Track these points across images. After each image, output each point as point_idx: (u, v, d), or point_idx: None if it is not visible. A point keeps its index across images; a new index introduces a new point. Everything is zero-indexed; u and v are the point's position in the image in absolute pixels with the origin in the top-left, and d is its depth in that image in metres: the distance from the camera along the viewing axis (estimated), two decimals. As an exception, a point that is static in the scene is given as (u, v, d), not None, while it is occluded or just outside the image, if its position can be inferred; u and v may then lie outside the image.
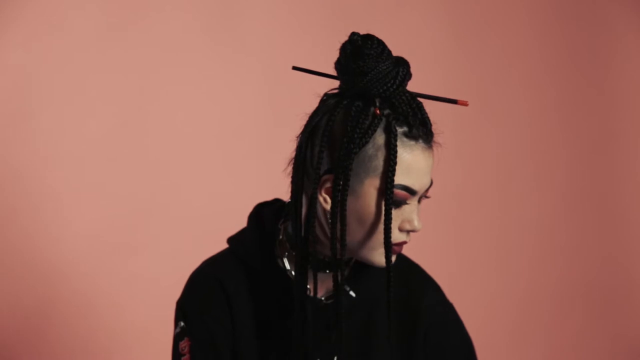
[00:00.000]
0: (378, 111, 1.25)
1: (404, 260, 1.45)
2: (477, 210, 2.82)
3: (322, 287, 1.37)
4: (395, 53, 1.28)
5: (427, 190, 1.31)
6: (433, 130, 1.29)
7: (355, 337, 1.38)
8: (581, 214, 2.88)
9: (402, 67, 1.26)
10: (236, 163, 2.58)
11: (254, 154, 2.58)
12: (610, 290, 2.88)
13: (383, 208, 1.27)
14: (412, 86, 1.29)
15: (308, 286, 1.36)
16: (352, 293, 1.38)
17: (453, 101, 1.30)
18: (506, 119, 2.82)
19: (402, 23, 2.71)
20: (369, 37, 1.27)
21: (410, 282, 1.44)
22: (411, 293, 1.43)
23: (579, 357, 2.83)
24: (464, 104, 1.29)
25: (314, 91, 1.32)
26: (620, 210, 2.90)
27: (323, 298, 1.38)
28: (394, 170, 1.25)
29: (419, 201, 1.31)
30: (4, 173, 2.42)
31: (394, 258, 1.31)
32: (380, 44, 1.27)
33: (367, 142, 1.25)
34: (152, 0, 2.52)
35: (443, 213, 2.72)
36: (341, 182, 1.25)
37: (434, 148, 1.30)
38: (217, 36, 2.56)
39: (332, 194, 1.26)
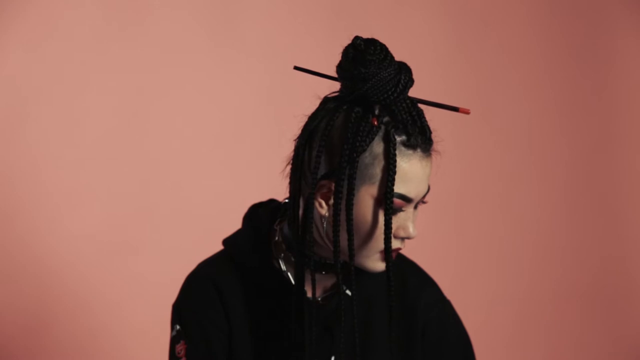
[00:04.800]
0: (376, 122, 1.23)
1: (400, 258, 1.45)
2: (477, 210, 2.81)
3: (319, 287, 1.37)
4: (395, 54, 1.27)
5: (424, 197, 1.30)
6: (432, 138, 1.27)
7: (352, 336, 1.36)
8: (581, 214, 2.88)
9: (404, 74, 1.24)
10: (236, 163, 2.58)
11: (254, 154, 2.58)
12: (610, 290, 2.88)
13: (379, 216, 1.26)
14: (413, 87, 1.28)
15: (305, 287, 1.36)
16: (348, 292, 1.38)
17: (454, 109, 1.28)
18: (506, 119, 2.82)
19: (403, 24, 2.71)
20: (372, 42, 1.25)
21: (407, 279, 1.44)
22: (408, 290, 1.43)
23: (579, 357, 2.83)
24: (466, 112, 1.27)
25: (314, 92, 1.32)
26: (620, 210, 2.90)
27: (320, 298, 1.38)
28: (394, 179, 1.23)
29: (415, 207, 1.30)
30: (3, 173, 2.42)
31: None
32: (383, 49, 1.25)
33: (364, 150, 1.24)
34: (152, 0, 2.52)
35: (443, 213, 2.72)
36: (344, 190, 1.24)
37: (433, 155, 1.29)
38: (217, 36, 2.56)
39: (334, 201, 1.26)
